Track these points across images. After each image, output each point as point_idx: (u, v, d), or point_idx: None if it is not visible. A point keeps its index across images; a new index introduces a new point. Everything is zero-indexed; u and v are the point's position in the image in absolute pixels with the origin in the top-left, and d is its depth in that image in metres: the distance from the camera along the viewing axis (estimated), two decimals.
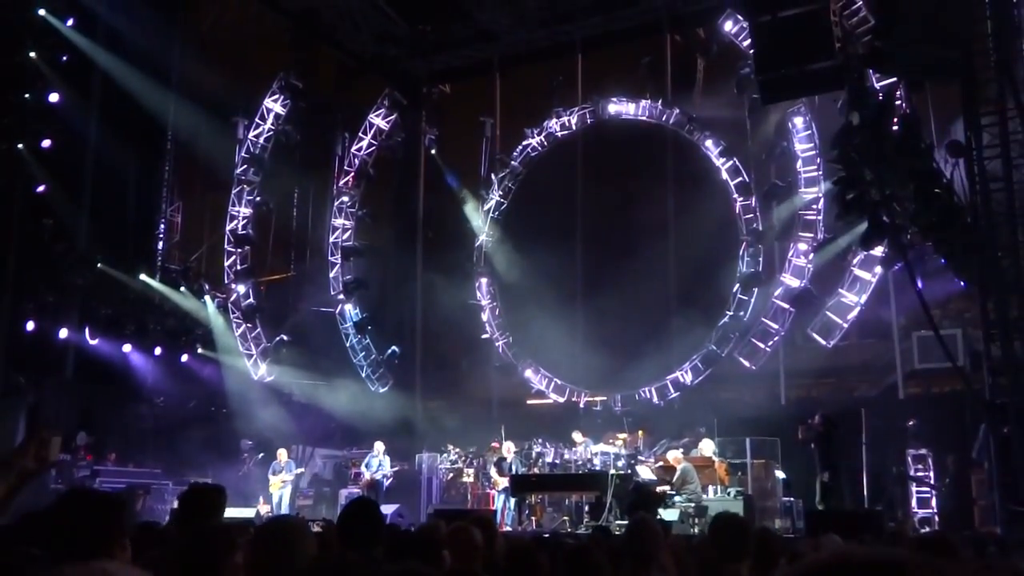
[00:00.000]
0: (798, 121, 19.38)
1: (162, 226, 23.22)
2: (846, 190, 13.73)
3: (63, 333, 19.22)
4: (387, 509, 14.63)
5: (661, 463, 16.35)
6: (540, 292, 21.19)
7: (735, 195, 20.24)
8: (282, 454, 18.70)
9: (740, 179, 20.26)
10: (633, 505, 14.33)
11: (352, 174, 24.07)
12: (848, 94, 14.43)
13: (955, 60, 12.45)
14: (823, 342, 18.60)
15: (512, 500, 16.41)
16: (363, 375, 23.29)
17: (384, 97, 24.05)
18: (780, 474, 16.61)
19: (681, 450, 16.28)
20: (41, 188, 18.65)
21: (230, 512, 14.18)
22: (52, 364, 19.68)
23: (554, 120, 22.91)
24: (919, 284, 13.90)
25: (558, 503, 16.95)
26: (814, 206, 19.16)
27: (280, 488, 18.26)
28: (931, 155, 13.54)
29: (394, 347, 23.24)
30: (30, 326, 18.54)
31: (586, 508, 15.76)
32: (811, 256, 19.02)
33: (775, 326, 19.25)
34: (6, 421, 17.73)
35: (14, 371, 18.85)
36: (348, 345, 23.40)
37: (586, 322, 20.96)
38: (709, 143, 20.68)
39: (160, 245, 23.05)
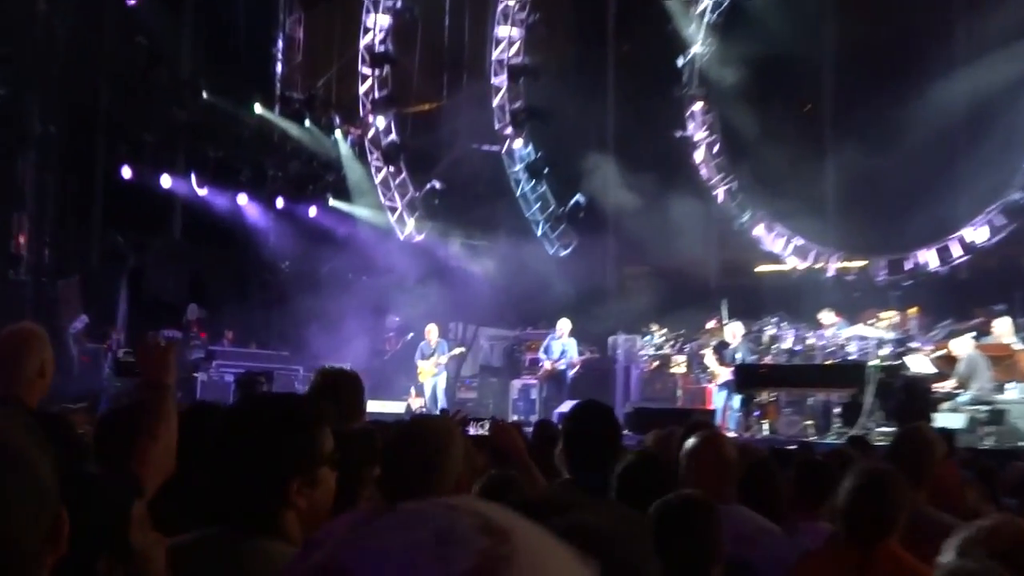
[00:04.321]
0: None
1: (280, 44, 23.66)
2: None
3: (166, 182, 20.02)
4: (566, 407, 14.23)
5: (941, 351, 15.93)
6: (775, 121, 20.58)
7: None
8: (431, 331, 18.94)
9: None
10: (902, 407, 14.11)
11: None
12: None
13: None
14: None
15: (737, 398, 16.44)
16: (539, 233, 23.48)
17: None
18: None
19: (972, 335, 15.72)
20: (132, 0, 19.18)
21: (374, 407, 14.70)
22: (155, 221, 20.67)
23: None
24: None
25: (798, 403, 16.78)
26: None
27: (432, 376, 18.62)
28: None
29: (579, 196, 23.13)
30: (126, 173, 19.38)
31: (836, 410, 15.57)
32: None
33: None
34: (103, 293, 18.82)
35: (112, 230, 19.84)
36: (519, 194, 23.55)
37: (838, 163, 20.24)
38: None
39: (279, 68, 23.54)
